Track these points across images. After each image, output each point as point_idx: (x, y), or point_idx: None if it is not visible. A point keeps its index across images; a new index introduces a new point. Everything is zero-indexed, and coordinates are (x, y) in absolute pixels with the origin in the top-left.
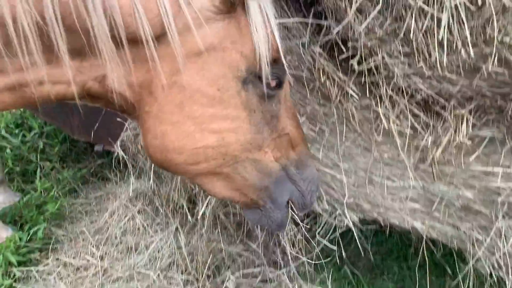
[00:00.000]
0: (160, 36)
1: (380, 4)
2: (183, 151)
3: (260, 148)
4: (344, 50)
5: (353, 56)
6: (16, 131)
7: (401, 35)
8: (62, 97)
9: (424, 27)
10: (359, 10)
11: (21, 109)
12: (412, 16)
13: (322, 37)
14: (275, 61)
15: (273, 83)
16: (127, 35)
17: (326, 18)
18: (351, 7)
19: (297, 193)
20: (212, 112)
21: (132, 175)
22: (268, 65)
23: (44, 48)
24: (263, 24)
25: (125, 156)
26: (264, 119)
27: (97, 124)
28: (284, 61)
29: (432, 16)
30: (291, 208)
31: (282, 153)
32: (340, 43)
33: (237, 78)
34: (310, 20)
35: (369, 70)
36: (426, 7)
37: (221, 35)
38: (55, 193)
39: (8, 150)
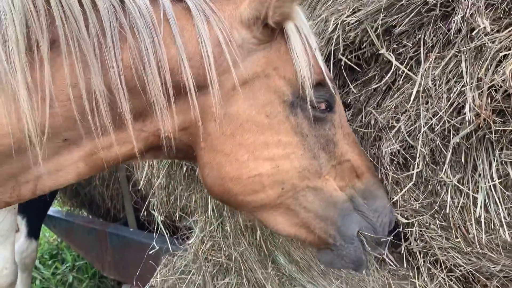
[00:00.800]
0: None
1: (414, 178)
2: (239, 180)
3: (320, 176)
4: None
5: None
6: (50, 262)
7: (437, 209)
8: (129, 157)
9: (460, 204)
10: (395, 182)
11: (58, 240)
12: (447, 192)
13: None
14: (320, 84)
15: (321, 106)
16: (174, 83)
17: None
18: (387, 179)
19: (365, 223)
20: (263, 139)
21: None
22: (311, 87)
23: (112, 115)
24: (303, 47)
25: None
26: (318, 143)
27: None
28: (329, 84)
29: (467, 194)
30: (364, 243)
31: (346, 182)
32: None
33: (284, 103)
34: None
35: (406, 240)
36: (461, 186)
37: (263, 63)
38: None
39: (37, 282)
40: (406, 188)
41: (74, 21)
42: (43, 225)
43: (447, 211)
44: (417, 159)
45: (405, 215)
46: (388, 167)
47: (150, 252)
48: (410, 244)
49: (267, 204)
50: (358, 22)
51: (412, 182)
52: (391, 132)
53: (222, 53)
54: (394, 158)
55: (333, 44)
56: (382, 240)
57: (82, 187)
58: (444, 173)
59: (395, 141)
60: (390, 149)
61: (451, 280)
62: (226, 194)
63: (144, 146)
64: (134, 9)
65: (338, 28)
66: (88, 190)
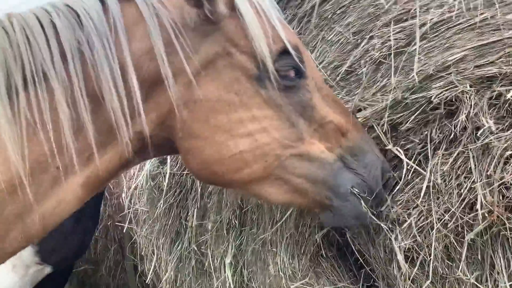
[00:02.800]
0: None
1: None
2: (222, 161)
3: (303, 141)
4: None
5: None
6: None
7: None
8: (120, 167)
9: None
10: (411, 279)
11: None
12: None
13: None
14: (285, 52)
15: (290, 74)
16: (143, 79)
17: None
18: (401, 274)
19: (358, 180)
20: (236, 117)
21: None
22: (272, 59)
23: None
24: (256, 17)
25: None
26: (295, 111)
27: None
28: (292, 52)
29: None
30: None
31: (333, 142)
32: None
33: (251, 78)
34: (360, 285)
35: None
36: (479, 285)
37: (223, 41)
38: None
39: None
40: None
41: (41, 57)
42: None
43: None
44: (431, 256)
45: None
46: (402, 263)
47: None
48: None
49: (255, 178)
50: (365, 119)
51: (429, 281)
52: (402, 227)
53: (176, 44)
54: (408, 254)
55: None
56: (373, 189)
57: (88, 276)
58: (461, 271)
59: (408, 237)
60: (404, 244)
61: None
62: (212, 176)
63: (132, 153)
64: (88, 21)
65: None
66: (94, 280)
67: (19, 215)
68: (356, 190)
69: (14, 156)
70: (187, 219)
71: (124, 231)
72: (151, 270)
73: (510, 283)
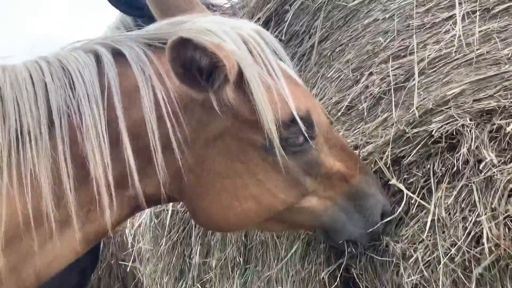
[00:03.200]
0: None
1: None
2: (228, 219)
3: (307, 195)
4: None
5: None
6: None
7: None
8: (119, 222)
9: None
10: None
11: None
12: None
13: None
14: (293, 120)
15: (299, 140)
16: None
17: None
18: None
19: (355, 233)
20: (241, 182)
21: None
22: (278, 133)
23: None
24: (265, 92)
25: None
26: (302, 171)
27: None
28: (300, 123)
29: None
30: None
31: (336, 190)
32: None
33: (258, 148)
34: None
35: None
36: None
37: (230, 117)
38: None
39: None
40: None
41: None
42: None
43: None
44: None
45: None
46: None
47: None
48: None
49: (257, 224)
50: (368, 154)
51: None
52: (409, 262)
53: (190, 112)
54: None
55: None
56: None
57: None
58: None
59: (415, 272)
60: (411, 280)
61: None
62: (219, 228)
63: (128, 209)
64: (80, 83)
65: None
66: None
67: (13, 268)
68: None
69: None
70: (191, 256)
71: (127, 269)
72: None
73: None
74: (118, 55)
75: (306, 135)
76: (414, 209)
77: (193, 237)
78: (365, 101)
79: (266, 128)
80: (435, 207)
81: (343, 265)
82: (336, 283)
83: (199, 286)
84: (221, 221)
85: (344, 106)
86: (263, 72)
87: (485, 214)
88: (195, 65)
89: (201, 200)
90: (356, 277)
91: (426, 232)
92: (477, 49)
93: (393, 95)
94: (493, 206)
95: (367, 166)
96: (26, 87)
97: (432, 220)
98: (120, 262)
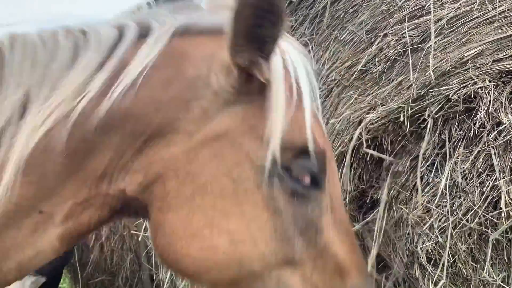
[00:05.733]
0: (173, 124)
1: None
2: (189, 251)
3: (290, 264)
4: None
5: None
6: None
7: None
8: (100, 223)
9: None
10: (433, 282)
11: None
12: None
13: None
14: (307, 152)
15: (305, 179)
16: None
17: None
18: (423, 276)
19: None
20: (223, 205)
21: None
22: (289, 154)
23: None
24: (284, 103)
25: None
26: (295, 225)
27: None
28: (313, 154)
29: None
30: None
31: (325, 281)
32: None
33: (256, 168)
34: None
35: None
36: (506, 286)
37: (240, 118)
38: None
39: None
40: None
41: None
42: None
43: None
44: (445, 257)
45: None
46: (425, 265)
47: None
48: None
49: (218, 284)
50: (381, 118)
51: (443, 281)
52: (424, 228)
53: (194, 98)
54: (431, 256)
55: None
56: None
57: (105, 287)
58: (486, 272)
59: (429, 239)
60: (426, 246)
61: None
62: (175, 265)
63: (108, 211)
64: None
65: (361, 125)
66: None
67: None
68: None
69: None
70: None
71: (139, 239)
72: (167, 279)
73: None
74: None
75: (317, 174)
76: (431, 175)
77: None
78: (380, 64)
79: (272, 142)
80: (450, 172)
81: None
82: None
83: None
84: (182, 252)
85: (358, 69)
86: (292, 88)
87: (503, 178)
88: (261, 24)
89: (171, 214)
90: (369, 246)
91: (437, 197)
92: (499, 6)
93: (409, 56)
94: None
95: (367, 268)
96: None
97: (448, 186)
98: (132, 233)
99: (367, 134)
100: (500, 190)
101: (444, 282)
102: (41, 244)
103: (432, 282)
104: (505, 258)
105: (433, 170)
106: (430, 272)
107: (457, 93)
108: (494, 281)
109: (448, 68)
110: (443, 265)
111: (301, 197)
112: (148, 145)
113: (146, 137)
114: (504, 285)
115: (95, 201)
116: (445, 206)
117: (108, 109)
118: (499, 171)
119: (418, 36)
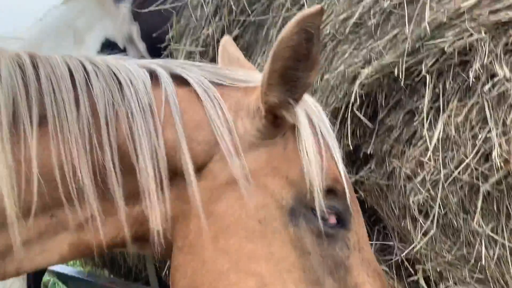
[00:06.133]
0: (200, 166)
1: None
2: None
3: None
4: (412, 271)
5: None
6: None
7: (472, 261)
8: (114, 244)
9: (496, 255)
10: (424, 233)
11: None
12: (481, 243)
13: (387, 255)
14: (332, 191)
15: (331, 219)
16: (169, 168)
17: (390, 236)
18: (415, 228)
19: None
20: (251, 248)
21: None
22: (321, 193)
23: (101, 198)
24: (315, 145)
25: None
26: (324, 265)
27: None
28: (347, 193)
29: (503, 244)
30: None
31: None
32: (407, 263)
33: (282, 209)
34: (374, 242)
35: None
36: (495, 236)
37: (264, 160)
38: None
39: None
40: (428, 236)
41: (62, 100)
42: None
43: (483, 263)
44: (436, 209)
45: (438, 269)
46: (416, 217)
47: None
48: None
49: None
50: (376, 72)
51: (433, 231)
52: (416, 181)
53: (223, 141)
54: (422, 208)
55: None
56: None
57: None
58: (476, 222)
59: (422, 191)
60: (417, 199)
61: None
62: None
63: (131, 235)
64: (130, 91)
65: (356, 79)
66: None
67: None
68: None
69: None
70: None
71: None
72: None
73: None
74: (176, 78)
75: (344, 213)
76: (424, 128)
77: None
78: (375, 17)
79: (307, 179)
80: (444, 125)
81: None
82: None
83: None
84: None
85: (352, 22)
86: (318, 132)
87: (496, 129)
88: (297, 67)
89: (193, 256)
90: (362, 198)
91: (430, 151)
92: None
93: (405, 8)
94: (505, 122)
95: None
96: (65, 82)
97: (441, 139)
98: None
99: (361, 89)
100: (493, 142)
101: (435, 233)
102: (49, 245)
103: (421, 233)
104: (495, 209)
105: (427, 123)
106: (421, 223)
107: (452, 46)
108: (483, 231)
109: (444, 20)
110: (434, 216)
111: (330, 237)
112: (176, 180)
113: (172, 173)
114: (493, 234)
115: (114, 221)
116: (437, 159)
117: None
118: (492, 123)
119: None
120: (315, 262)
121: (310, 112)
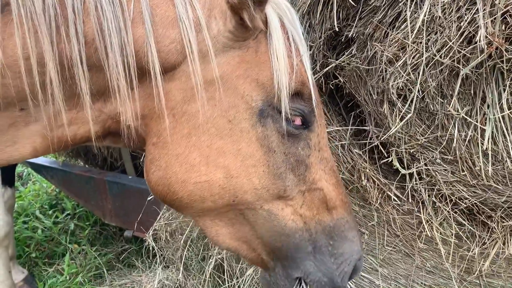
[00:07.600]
0: (173, 65)
1: (412, 108)
2: (186, 184)
3: (280, 198)
4: (385, 154)
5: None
6: (50, 211)
7: (444, 143)
8: (86, 139)
9: (467, 137)
10: (401, 118)
11: (56, 190)
12: (455, 126)
13: (362, 140)
14: (299, 94)
15: (296, 120)
16: (138, 66)
17: (366, 122)
18: (392, 113)
19: (316, 276)
20: (220, 144)
21: (159, 266)
22: (288, 96)
23: (69, 93)
24: (285, 49)
25: (155, 246)
26: (287, 162)
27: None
28: (313, 96)
29: (475, 126)
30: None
31: (314, 213)
32: (381, 147)
33: (251, 110)
34: (350, 126)
35: (411, 175)
36: (469, 118)
37: (236, 62)
38: (81, 278)
39: (39, 231)
40: (405, 120)
41: None
42: (40, 177)
43: (454, 145)
44: (415, 92)
45: (411, 151)
46: (395, 100)
47: (151, 198)
48: (415, 180)
49: (212, 211)
50: None
51: (410, 115)
52: (397, 65)
53: (194, 42)
54: (401, 92)
55: None
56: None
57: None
58: (452, 106)
59: (403, 74)
60: (397, 83)
61: (455, 212)
62: (169, 196)
63: (102, 130)
64: None
65: None
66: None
67: None
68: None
69: None
70: None
71: None
72: None
73: (498, 115)
74: None
75: (308, 115)
76: (408, 10)
77: None
78: None
79: (279, 85)
80: (429, 6)
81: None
82: (320, 92)
83: None
84: (178, 184)
85: None
86: (290, 36)
87: (484, 11)
88: None
89: (167, 151)
90: (341, 84)
91: (414, 33)
92: None
93: None
94: (495, 1)
95: (351, 206)
96: None
97: (426, 21)
98: None
99: None
100: (479, 23)
101: (411, 117)
102: (20, 134)
103: (399, 117)
104: (472, 93)
105: (412, 4)
106: (399, 107)
107: None
108: (458, 114)
109: None
110: (411, 100)
111: (293, 137)
112: (148, 78)
113: (142, 72)
114: (467, 117)
115: (83, 116)
116: (421, 42)
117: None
118: (480, 4)
119: None
120: (278, 159)
121: (282, 15)
